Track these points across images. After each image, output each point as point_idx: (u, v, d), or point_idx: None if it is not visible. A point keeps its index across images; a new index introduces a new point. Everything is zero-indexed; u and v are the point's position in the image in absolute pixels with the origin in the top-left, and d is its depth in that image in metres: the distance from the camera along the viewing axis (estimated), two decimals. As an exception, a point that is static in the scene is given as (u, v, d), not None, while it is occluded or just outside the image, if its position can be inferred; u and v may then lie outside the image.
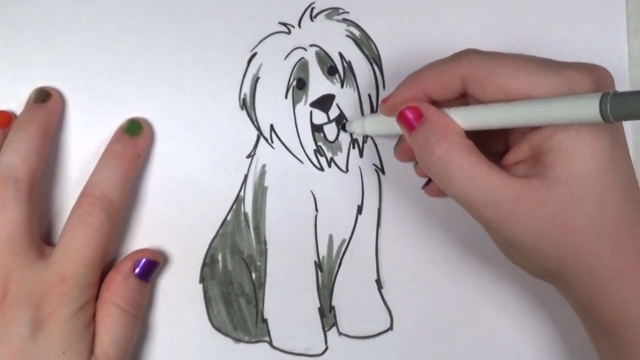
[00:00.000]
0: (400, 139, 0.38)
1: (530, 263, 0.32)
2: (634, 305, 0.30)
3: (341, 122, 0.39)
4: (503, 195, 0.30)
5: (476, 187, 0.30)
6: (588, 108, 0.27)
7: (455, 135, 0.31)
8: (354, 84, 0.39)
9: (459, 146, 0.31)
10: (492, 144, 0.35)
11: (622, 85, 0.40)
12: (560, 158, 0.29)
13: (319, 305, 0.39)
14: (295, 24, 0.40)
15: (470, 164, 0.30)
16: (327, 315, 0.39)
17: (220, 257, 0.39)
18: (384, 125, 0.36)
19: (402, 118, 0.33)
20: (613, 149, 0.30)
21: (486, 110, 0.31)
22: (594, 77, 0.29)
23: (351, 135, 0.39)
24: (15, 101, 0.38)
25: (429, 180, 0.38)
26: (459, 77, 0.31)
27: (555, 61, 0.31)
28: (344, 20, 0.40)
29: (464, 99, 0.33)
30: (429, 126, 0.32)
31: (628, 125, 0.40)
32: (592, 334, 0.33)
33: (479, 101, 0.32)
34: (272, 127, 0.39)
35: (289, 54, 0.39)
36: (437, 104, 0.33)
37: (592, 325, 0.33)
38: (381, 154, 0.40)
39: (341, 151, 0.39)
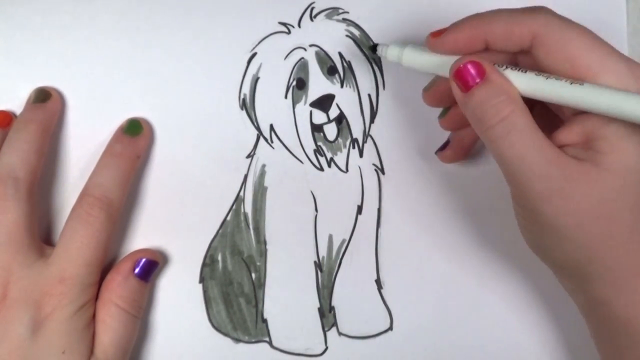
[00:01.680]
0: (435, 81, 0.36)
1: (558, 249, 0.31)
2: None
3: (341, 122, 0.39)
4: (558, 170, 0.29)
5: (534, 155, 0.29)
6: None
7: (519, 99, 0.30)
8: (354, 84, 0.39)
9: (524, 111, 0.30)
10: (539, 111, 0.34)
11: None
12: (613, 146, 0.29)
13: (318, 305, 0.39)
14: (295, 24, 0.40)
15: (532, 131, 0.29)
16: (327, 315, 0.39)
17: (220, 257, 0.39)
18: (425, 60, 0.34)
19: (461, 74, 0.31)
20: None
21: (555, 86, 0.30)
22: None
23: (351, 135, 0.39)
24: (15, 101, 0.38)
25: (445, 145, 0.38)
26: (530, 32, 0.30)
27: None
28: (344, 20, 0.40)
29: (521, 56, 0.32)
30: (493, 86, 0.30)
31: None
32: (599, 334, 0.33)
33: (541, 65, 0.30)
34: (272, 127, 0.39)
35: (288, 54, 0.39)
36: (490, 55, 0.32)
37: (600, 324, 0.32)
38: (381, 153, 0.40)
39: (341, 151, 0.39)
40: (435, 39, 0.33)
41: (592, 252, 0.30)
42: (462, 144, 0.37)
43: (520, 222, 0.33)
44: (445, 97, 0.34)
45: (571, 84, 0.29)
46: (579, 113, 0.31)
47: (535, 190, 0.30)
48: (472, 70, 0.30)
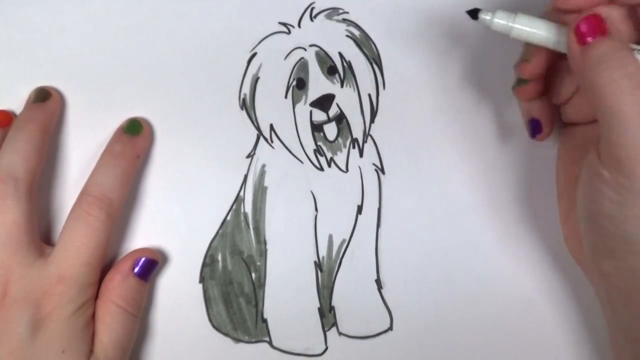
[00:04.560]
0: (531, 53, 0.35)
1: (623, 222, 0.29)
2: None
3: (341, 121, 0.39)
4: None
5: None
6: None
7: None
8: (354, 83, 0.39)
9: None
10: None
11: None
12: None
13: (318, 305, 0.39)
14: (295, 24, 0.40)
15: None
16: (327, 315, 0.39)
17: (220, 257, 0.39)
18: (540, 29, 0.32)
19: (587, 22, 0.30)
20: None
21: None
22: None
23: (351, 134, 0.39)
24: (15, 101, 0.38)
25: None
26: None
27: None
28: (344, 20, 0.40)
29: None
30: (618, 41, 0.30)
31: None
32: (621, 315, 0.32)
33: None
34: (272, 127, 0.39)
35: (288, 54, 0.39)
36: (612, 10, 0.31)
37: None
38: (381, 153, 0.40)
39: (341, 151, 0.39)
40: None
41: None
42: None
43: (597, 190, 0.30)
44: (539, 92, 0.34)
45: None
46: None
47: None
48: (597, 23, 0.30)
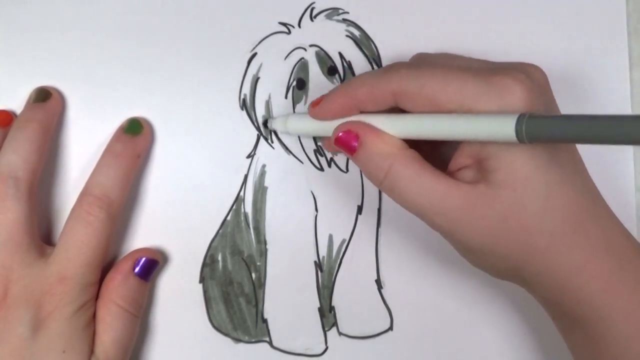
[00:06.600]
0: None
1: (490, 265, 0.32)
2: (599, 299, 0.30)
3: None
4: (450, 202, 0.30)
5: (424, 196, 0.31)
6: (504, 128, 0.27)
7: (397, 149, 0.31)
8: (354, 84, 0.39)
9: (403, 159, 0.31)
10: (442, 149, 0.35)
11: (622, 85, 0.40)
12: (500, 162, 0.30)
13: (319, 305, 0.39)
14: (295, 24, 0.40)
15: (416, 175, 0.31)
16: (327, 315, 0.39)
17: (220, 257, 0.39)
18: (308, 126, 0.36)
19: (341, 142, 0.33)
20: (555, 147, 0.30)
21: (415, 121, 0.31)
22: (524, 78, 0.29)
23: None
24: (15, 101, 0.38)
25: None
26: (390, 93, 0.31)
27: (489, 66, 0.31)
28: (344, 20, 0.40)
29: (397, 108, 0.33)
30: (368, 148, 0.32)
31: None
32: (562, 330, 0.34)
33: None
34: (272, 127, 0.39)
35: (289, 54, 0.39)
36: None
37: (561, 320, 0.33)
38: (381, 154, 0.39)
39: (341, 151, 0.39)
40: (313, 109, 0.34)
41: (517, 262, 0.31)
42: None
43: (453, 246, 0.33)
44: None
45: (423, 116, 0.30)
46: None
47: (438, 225, 0.31)
48: (348, 138, 0.33)
